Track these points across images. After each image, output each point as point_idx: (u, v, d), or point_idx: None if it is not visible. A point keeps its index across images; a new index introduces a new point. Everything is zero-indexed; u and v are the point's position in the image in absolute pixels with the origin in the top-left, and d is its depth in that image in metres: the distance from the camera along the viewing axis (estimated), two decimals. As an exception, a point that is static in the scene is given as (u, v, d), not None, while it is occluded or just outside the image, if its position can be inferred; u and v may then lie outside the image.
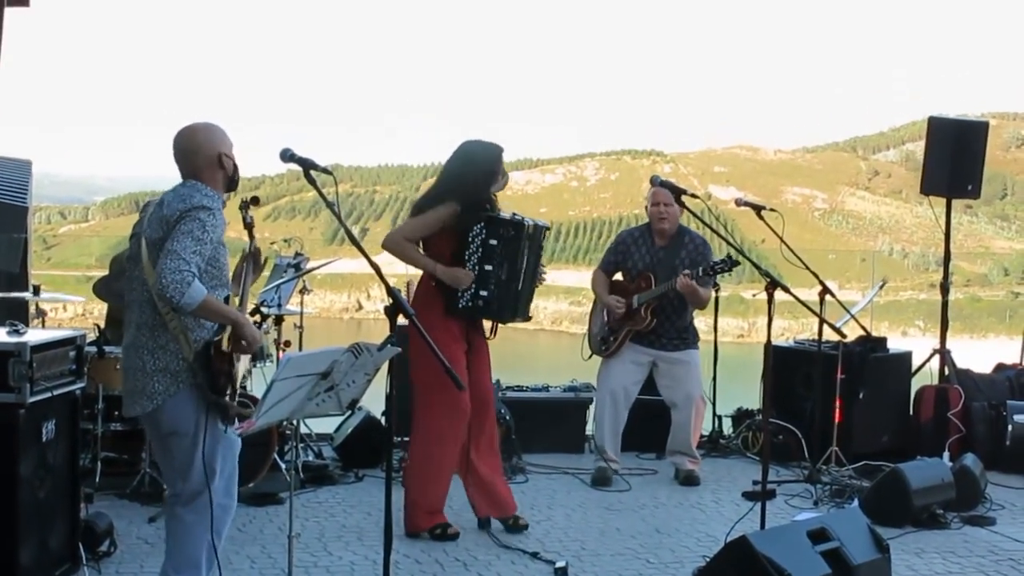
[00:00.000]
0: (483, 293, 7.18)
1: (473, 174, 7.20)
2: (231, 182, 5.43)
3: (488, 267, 7.17)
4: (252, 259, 5.69)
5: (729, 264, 8.48)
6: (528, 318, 7.61)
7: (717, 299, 9.77)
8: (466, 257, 7.18)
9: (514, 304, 7.34)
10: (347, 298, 73.36)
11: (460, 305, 7.18)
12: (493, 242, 7.18)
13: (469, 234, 7.17)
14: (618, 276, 9.04)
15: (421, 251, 7.27)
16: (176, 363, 5.16)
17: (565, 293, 61.25)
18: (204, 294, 5.00)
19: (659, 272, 8.73)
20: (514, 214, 7.35)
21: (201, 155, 5.32)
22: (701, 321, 9.33)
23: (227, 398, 5.22)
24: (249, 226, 5.70)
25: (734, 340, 51.24)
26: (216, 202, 5.22)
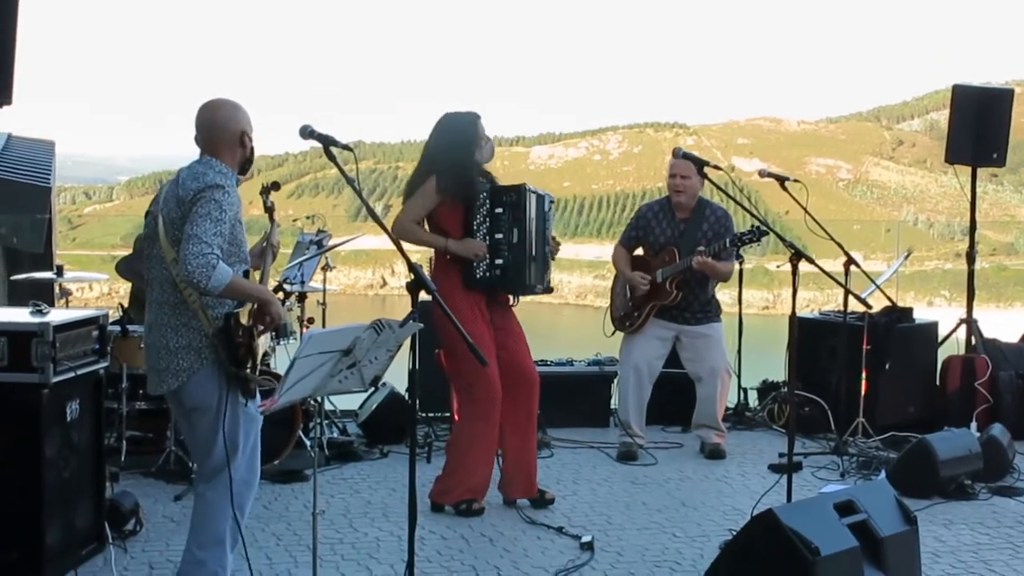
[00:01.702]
0: (498, 261, 7.18)
1: (452, 144, 7.20)
2: (247, 164, 5.42)
3: (499, 235, 7.18)
4: (271, 248, 5.69)
5: (756, 235, 8.44)
6: (550, 289, 7.56)
7: (741, 271, 9.72)
8: (475, 230, 7.19)
9: (531, 268, 7.27)
10: (371, 274, 73.48)
11: (478, 276, 7.17)
12: (499, 211, 7.20)
13: (473, 208, 7.19)
14: (638, 251, 9.01)
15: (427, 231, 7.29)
16: (199, 340, 5.16)
17: (589, 267, 61.28)
18: (230, 275, 5.00)
19: (682, 245, 8.68)
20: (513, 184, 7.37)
21: (223, 131, 5.31)
22: (725, 293, 9.30)
23: (248, 371, 5.23)
24: (270, 210, 5.73)
25: (759, 312, 51.24)
26: (230, 179, 5.21)
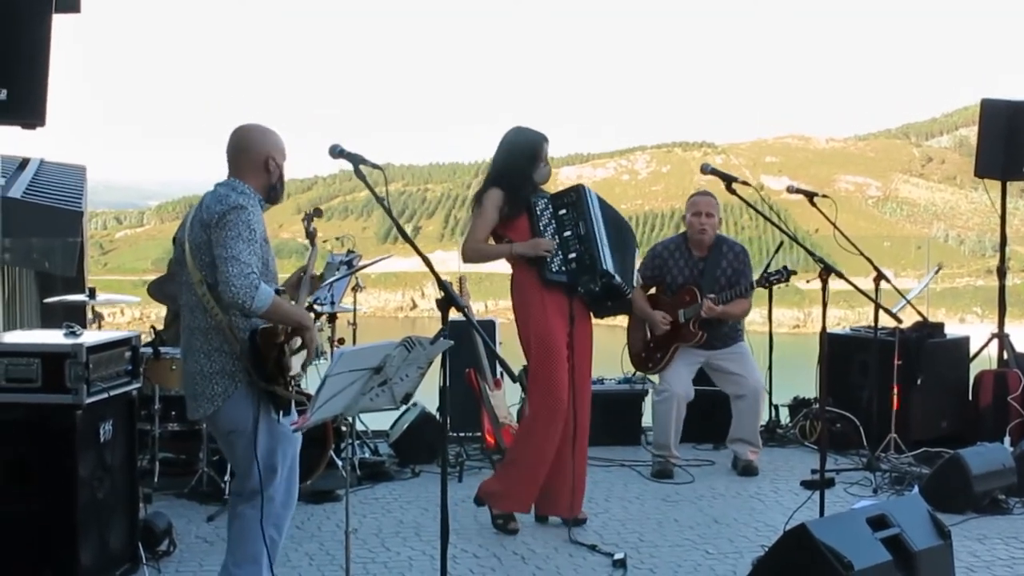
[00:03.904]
0: (572, 255, 7.16)
1: (514, 160, 7.25)
2: (272, 190, 5.42)
3: (567, 233, 7.19)
4: (309, 281, 5.69)
5: (784, 275, 8.48)
6: (625, 290, 7.33)
7: (771, 290, 9.66)
8: (542, 234, 7.19)
9: (604, 255, 7.15)
10: (401, 297, 73.73)
11: (554, 270, 7.14)
12: (562, 212, 7.24)
13: (536, 214, 7.20)
14: (652, 290, 8.96)
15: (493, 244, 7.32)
16: (232, 364, 5.20)
17: (619, 287, 61.14)
18: (272, 295, 5.05)
19: (703, 284, 8.66)
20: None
21: (248, 153, 5.36)
22: (756, 312, 9.28)
23: (280, 387, 5.25)
24: (311, 236, 5.73)
25: (790, 331, 51.08)
26: (252, 200, 5.23)
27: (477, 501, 7.44)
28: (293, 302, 5.50)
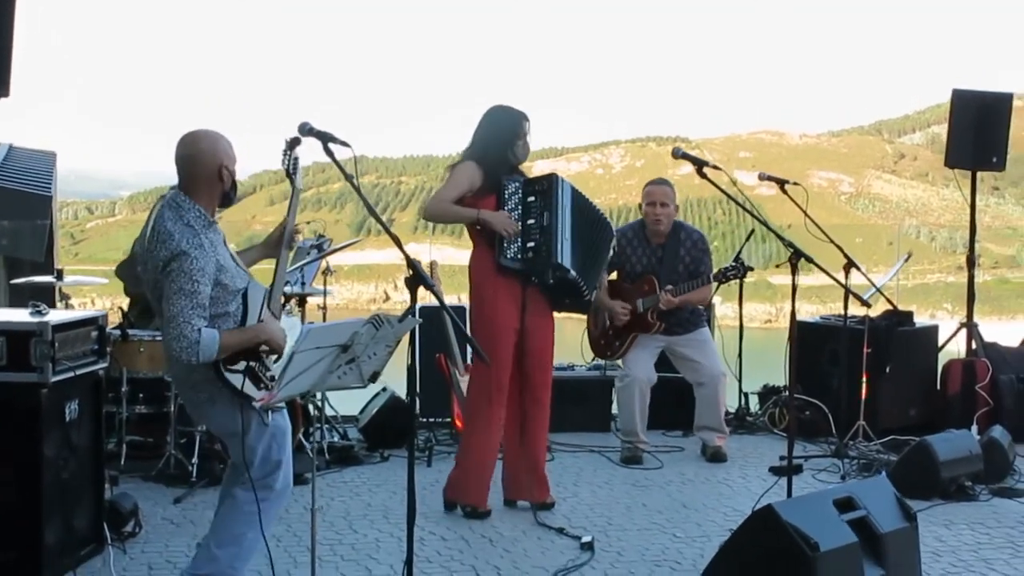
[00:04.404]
0: (530, 244, 7.08)
1: (493, 136, 7.20)
2: (226, 197, 5.33)
3: (530, 221, 7.11)
4: (289, 236, 5.59)
5: (740, 271, 8.47)
6: (584, 288, 7.22)
7: (742, 284, 9.61)
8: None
9: (562, 249, 7.05)
10: (374, 289, 73.49)
11: (509, 256, 7.07)
12: (531, 199, 7.15)
13: (504, 197, 7.13)
14: (612, 275, 8.93)
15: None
16: (212, 372, 5.15)
17: (591, 280, 61.17)
18: (216, 339, 4.98)
19: (661, 273, 8.67)
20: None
21: (201, 164, 5.21)
22: (728, 307, 9.27)
23: (258, 389, 5.23)
24: (291, 173, 5.49)
25: (762, 325, 51.17)
26: (197, 234, 5.07)
27: (447, 505, 7.36)
28: (275, 292, 5.46)
